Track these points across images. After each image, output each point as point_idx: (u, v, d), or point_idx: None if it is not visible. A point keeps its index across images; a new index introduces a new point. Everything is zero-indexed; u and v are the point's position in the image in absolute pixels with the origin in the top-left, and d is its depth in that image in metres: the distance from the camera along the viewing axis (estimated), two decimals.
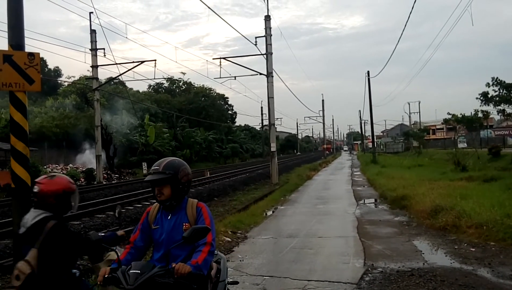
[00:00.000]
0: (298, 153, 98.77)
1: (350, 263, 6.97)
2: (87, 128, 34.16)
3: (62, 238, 3.02)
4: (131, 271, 2.58)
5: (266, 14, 24.11)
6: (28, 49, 5.83)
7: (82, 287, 3.23)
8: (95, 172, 27.46)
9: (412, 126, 74.97)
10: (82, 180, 26.96)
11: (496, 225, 8.14)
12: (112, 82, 40.10)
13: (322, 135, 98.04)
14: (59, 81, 49.63)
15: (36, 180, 3.22)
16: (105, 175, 29.33)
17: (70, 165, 30.21)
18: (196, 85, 65.54)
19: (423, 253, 7.41)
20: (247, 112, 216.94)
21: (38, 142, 29.45)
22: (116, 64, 25.72)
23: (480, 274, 6.10)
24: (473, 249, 7.43)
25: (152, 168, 2.91)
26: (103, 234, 3.43)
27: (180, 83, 66.29)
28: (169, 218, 2.92)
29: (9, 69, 5.42)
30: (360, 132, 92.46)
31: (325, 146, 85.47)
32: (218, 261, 3.29)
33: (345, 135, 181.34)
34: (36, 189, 3.14)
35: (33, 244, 2.97)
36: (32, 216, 3.13)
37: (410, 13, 17.86)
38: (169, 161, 2.91)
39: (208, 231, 2.65)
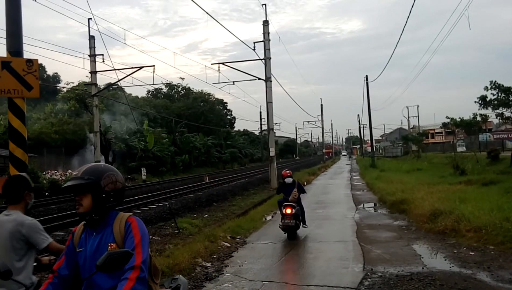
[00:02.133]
0: (297, 157, 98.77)
1: (349, 268, 6.97)
2: (86, 134, 34.16)
3: None
4: None
5: (264, 19, 24.22)
6: (26, 55, 5.86)
7: None
8: None
9: (411, 130, 75.01)
10: None
11: (495, 228, 8.14)
12: (111, 88, 40.08)
13: (321, 140, 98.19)
14: (58, 87, 49.67)
15: None
16: None
17: (69, 171, 30.13)
18: (195, 90, 65.66)
19: (422, 257, 7.41)
20: (246, 117, 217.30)
21: (37, 148, 29.43)
22: (115, 70, 25.73)
23: (479, 278, 6.10)
24: (472, 253, 7.42)
25: (73, 173, 2.47)
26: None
27: (179, 89, 66.36)
28: (93, 236, 2.38)
29: (7, 76, 5.43)
30: (359, 136, 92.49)
31: (324, 150, 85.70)
32: (177, 287, 2.77)
33: (344, 140, 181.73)
34: None
35: None
36: None
37: (408, 17, 17.97)
38: (92, 166, 2.42)
39: (129, 256, 2.11)
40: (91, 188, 2.31)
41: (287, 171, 10.76)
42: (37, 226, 3.12)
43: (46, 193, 22.32)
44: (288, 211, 9.45)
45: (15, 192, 3.19)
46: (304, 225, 10.05)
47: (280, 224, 9.69)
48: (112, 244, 2.30)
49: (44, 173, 25.59)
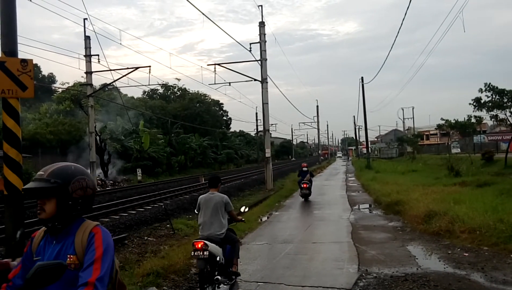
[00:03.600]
0: (293, 158, 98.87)
1: (344, 269, 6.99)
2: (81, 135, 34.03)
3: None
4: None
5: (261, 20, 24.21)
6: (21, 55, 5.84)
7: None
8: None
9: (406, 131, 75.39)
10: None
11: (489, 230, 8.19)
12: (107, 89, 40.00)
13: (316, 141, 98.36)
14: (53, 87, 49.50)
15: None
16: (99, 181, 29.20)
17: None
18: (191, 91, 65.61)
19: (416, 258, 7.44)
20: (242, 118, 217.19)
21: (32, 148, 29.29)
22: (110, 70, 25.72)
23: (473, 279, 6.13)
24: (467, 254, 7.46)
25: (37, 173, 2.12)
26: None
27: (175, 89, 66.31)
28: (53, 245, 2.10)
29: (2, 76, 5.41)
30: (354, 138, 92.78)
31: (321, 151, 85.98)
32: None
33: (339, 141, 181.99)
34: None
35: None
36: None
37: (403, 19, 18.06)
38: (60, 167, 2.10)
39: (62, 268, 1.86)
40: (56, 193, 2.03)
41: (304, 164, 18.41)
42: None
43: None
44: (305, 185, 17.07)
45: None
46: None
47: (300, 193, 17.40)
48: (71, 256, 2.03)
49: None
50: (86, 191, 2.12)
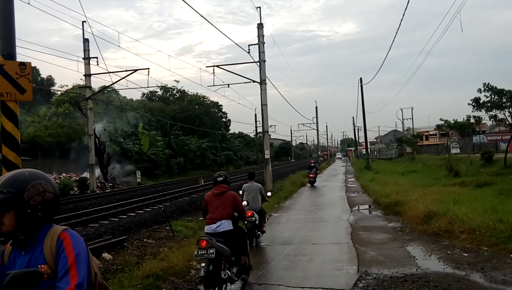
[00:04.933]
0: (292, 160, 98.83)
1: (343, 270, 6.98)
2: (80, 137, 34.00)
3: None
4: None
5: (259, 22, 24.23)
6: (20, 58, 5.85)
7: None
8: (89, 181, 27.32)
9: (405, 132, 75.47)
10: (76, 189, 26.79)
11: (489, 230, 8.19)
12: (106, 91, 40.00)
13: (316, 142, 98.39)
14: (52, 90, 49.49)
15: None
16: (98, 184, 29.18)
17: (64, 174, 29.99)
18: (189, 93, 65.71)
19: (416, 259, 7.44)
20: (241, 120, 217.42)
21: (31, 151, 29.25)
22: (109, 72, 25.71)
23: (472, 279, 6.13)
24: (466, 254, 7.46)
25: None
26: None
27: (174, 91, 66.38)
28: (22, 256, 2.01)
29: (0, 79, 5.41)
30: (353, 139, 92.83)
31: (320, 152, 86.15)
32: None
33: (339, 142, 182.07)
34: None
35: None
36: None
37: (401, 20, 18.10)
38: (12, 175, 1.97)
39: (39, 276, 1.78)
40: (12, 203, 1.90)
41: (312, 161, 27.17)
42: None
43: None
44: (311, 175, 25.43)
45: None
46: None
47: (308, 181, 25.82)
48: (42, 265, 1.93)
49: None
50: (45, 195, 1.99)
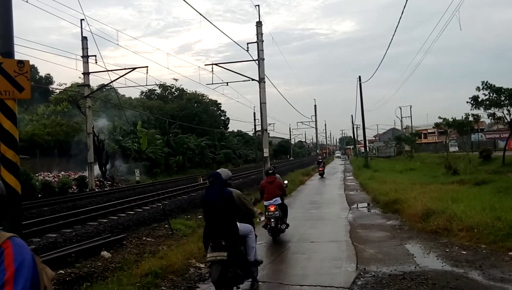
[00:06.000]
0: (291, 158, 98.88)
1: (342, 268, 7.00)
2: (79, 135, 33.97)
3: None
4: None
5: (258, 20, 24.18)
6: (18, 56, 5.83)
7: None
8: (87, 180, 27.32)
9: (404, 130, 75.47)
10: (74, 187, 26.79)
11: (487, 228, 8.21)
12: (104, 89, 39.96)
13: (315, 140, 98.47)
14: (50, 88, 49.42)
15: None
16: (97, 182, 29.17)
17: (62, 172, 29.97)
18: (188, 91, 65.56)
19: (415, 257, 7.46)
20: (240, 118, 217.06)
21: (30, 149, 29.21)
22: (108, 71, 25.71)
23: (471, 277, 6.15)
24: (464, 252, 7.48)
25: None
26: None
27: (173, 90, 66.23)
28: None
29: None
30: (352, 137, 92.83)
31: (319, 150, 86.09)
32: None
33: (337, 140, 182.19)
34: None
35: None
36: None
37: (400, 18, 18.07)
38: None
39: None
40: None
41: (320, 157, 40.79)
42: None
43: (39, 195, 22.19)
44: (320, 169, 32.71)
45: None
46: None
47: (318, 173, 32.82)
48: None
49: (37, 174, 25.42)
50: None
